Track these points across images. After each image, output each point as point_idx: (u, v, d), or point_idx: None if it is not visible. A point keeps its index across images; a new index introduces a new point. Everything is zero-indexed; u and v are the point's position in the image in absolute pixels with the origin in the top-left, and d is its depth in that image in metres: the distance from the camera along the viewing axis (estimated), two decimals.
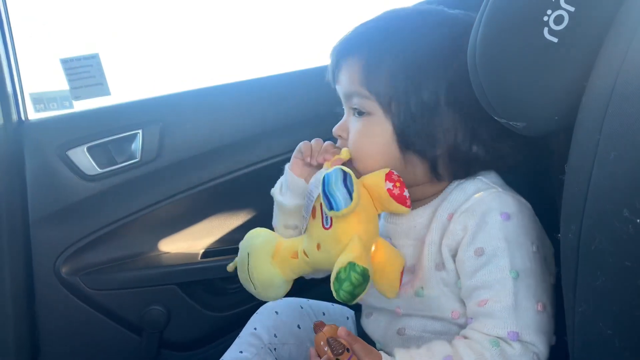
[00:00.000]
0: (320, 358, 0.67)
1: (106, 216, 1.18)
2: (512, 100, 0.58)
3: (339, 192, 0.63)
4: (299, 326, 0.93)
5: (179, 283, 1.19)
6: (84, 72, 1.22)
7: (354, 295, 0.62)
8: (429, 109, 0.69)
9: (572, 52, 0.53)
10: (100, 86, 1.24)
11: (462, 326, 0.70)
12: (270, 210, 1.25)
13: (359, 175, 0.71)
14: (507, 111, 0.60)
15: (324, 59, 0.80)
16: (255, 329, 0.93)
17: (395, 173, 0.69)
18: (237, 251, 1.24)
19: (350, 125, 0.75)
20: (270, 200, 1.26)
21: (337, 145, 0.78)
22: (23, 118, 1.20)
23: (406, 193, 0.68)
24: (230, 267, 0.82)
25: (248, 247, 0.78)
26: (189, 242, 1.25)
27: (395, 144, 0.71)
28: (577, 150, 0.53)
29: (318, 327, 0.70)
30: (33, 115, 1.24)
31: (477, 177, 0.73)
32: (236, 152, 1.22)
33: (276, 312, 0.95)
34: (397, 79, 0.69)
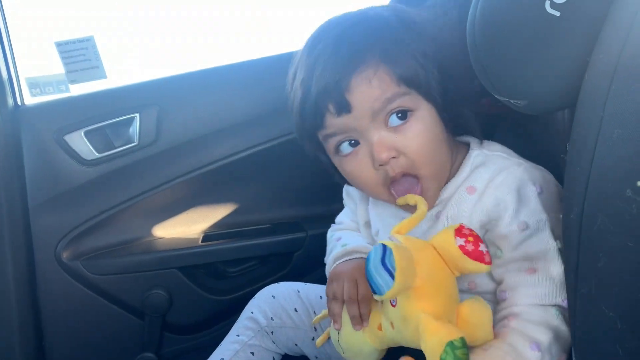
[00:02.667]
0: None
1: (105, 201, 1.17)
2: (513, 78, 0.57)
3: (379, 276, 0.58)
4: (295, 309, 0.93)
5: (180, 267, 1.19)
6: (79, 55, 1.21)
7: None
8: (452, 75, 0.66)
9: (574, 25, 0.51)
10: (96, 69, 1.22)
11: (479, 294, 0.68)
12: (270, 193, 1.26)
13: (428, 190, 0.67)
14: (508, 89, 0.58)
15: None
16: (252, 312, 0.94)
17: (465, 226, 0.62)
18: (238, 234, 1.26)
19: (392, 139, 0.65)
20: (269, 182, 1.26)
21: (388, 166, 0.66)
22: (19, 103, 1.19)
23: (482, 248, 0.60)
24: (318, 343, 0.82)
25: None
26: (189, 226, 1.25)
27: (443, 126, 0.68)
28: (579, 129, 0.51)
29: None
30: (29, 100, 1.23)
31: (496, 153, 0.71)
32: (235, 135, 1.21)
33: (273, 296, 0.96)
34: (419, 59, 0.65)
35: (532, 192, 0.66)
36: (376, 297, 0.58)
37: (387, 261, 0.57)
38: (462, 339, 0.55)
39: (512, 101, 0.58)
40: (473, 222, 0.68)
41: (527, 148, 0.77)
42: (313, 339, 0.93)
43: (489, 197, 0.67)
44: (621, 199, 0.45)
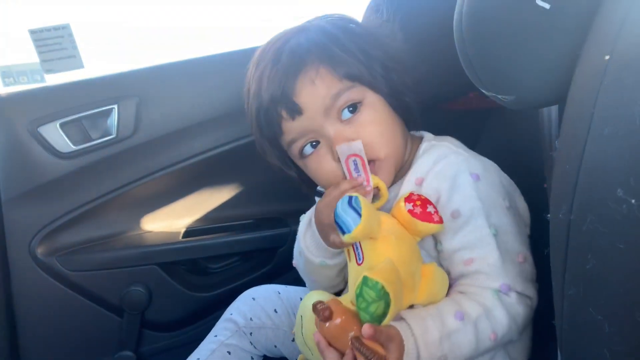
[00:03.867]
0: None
1: (82, 195, 1.14)
2: (501, 72, 0.55)
3: (347, 215, 0.61)
4: (275, 310, 0.93)
5: (160, 263, 1.16)
6: (54, 43, 1.17)
7: (371, 314, 0.58)
8: (392, 57, 0.72)
9: (565, 18, 0.49)
10: (72, 59, 1.18)
11: None
12: (253, 187, 1.23)
13: (388, 174, 0.70)
14: (495, 84, 0.56)
15: None
16: (231, 314, 0.94)
17: (415, 193, 0.67)
18: (220, 230, 1.24)
19: (347, 130, 0.69)
20: (252, 177, 1.24)
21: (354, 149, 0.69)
22: None
23: (430, 209, 0.65)
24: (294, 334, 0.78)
25: (301, 310, 0.71)
26: (169, 221, 1.22)
27: (392, 111, 0.72)
28: (569, 125, 0.49)
29: (325, 311, 0.60)
30: (2, 89, 1.19)
31: (442, 143, 0.74)
32: (217, 128, 1.18)
33: (253, 298, 0.95)
34: (358, 56, 0.69)
35: (466, 179, 0.67)
36: (346, 237, 0.61)
37: (354, 203, 0.61)
38: (378, 284, 0.57)
39: (499, 96, 0.56)
40: None
41: (515, 144, 0.75)
42: (293, 340, 0.91)
43: (428, 187, 0.70)
44: (611, 199, 0.44)
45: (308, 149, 0.72)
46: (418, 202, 0.65)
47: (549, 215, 0.54)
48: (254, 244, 1.20)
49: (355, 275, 0.66)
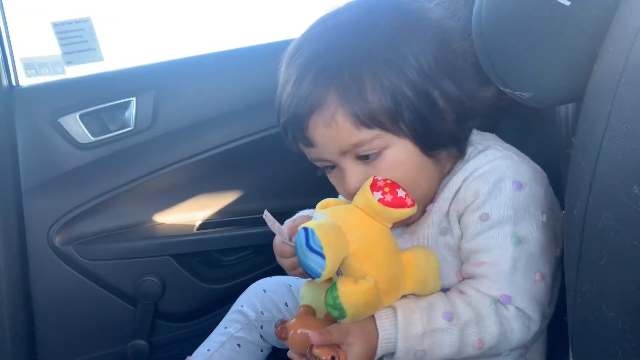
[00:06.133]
0: None
1: (100, 185, 1.15)
2: (520, 69, 0.55)
3: (309, 260, 0.58)
4: (286, 304, 0.92)
5: (174, 254, 1.17)
6: (76, 36, 1.18)
7: (331, 312, 0.60)
8: (425, 90, 0.62)
9: (585, 15, 0.49)
10: (92, 51, 1.20)
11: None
12: (267, 182, 1.24)
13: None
14: (514, 80, 0.57)
15: None
16: (242, 306, 0.93)
17: (379, 179, 0.62)
18: (234, 223, 1.25)
19: (366, 170, 0.65)
20: (267, 171, 1.25)
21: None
22: (14, 84, 1.17)
23: (401, 193, 0.61)
24: None
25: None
26: (185, 214, 1.23)
27: (422, 154, 0.65)
28: (586, 123, 0.50)
29: (282, 331, 0.65)
30: (24, 81, 1.21)
31: (493, 146, 0.69)
32: (233, 122, 1.19)
33: (264, 290, 0.95)
34: (386, 96, 0.61)
35: (507, 186, 0.64)
36: (317, 280, 0.59)
37: (312, 243, 0.57)
38: (337, 298, 0.58)
39: (517, 93, 0.56)
40: (450, 210, 0.67)
41: (529, 142, 0.75)
42: None
43: (468, 187, 0.66)
44: (627, 196, 0.44)
45: (326, 168, 0.70)
46: (387, 189, 0.61)
47: (563, 212, 0.54)
48: (267, 237, 1.20)
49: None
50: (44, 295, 1.14)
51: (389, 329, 0.61)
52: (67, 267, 1.14)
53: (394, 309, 0.63)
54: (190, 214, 1.24)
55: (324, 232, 0.57)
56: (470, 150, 0.70)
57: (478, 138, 0.71)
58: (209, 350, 0.89)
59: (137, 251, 1.16)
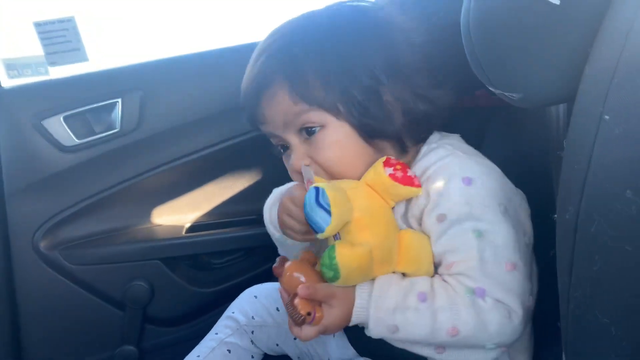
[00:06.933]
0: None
1: (85, 189, 1.13)
2: (509, 69, 0.54)
3: (316, 215, 0.62)
4: (277, 308, 0.92)
5: (163, 258, 1.16)
6: (59, 36, 1.16)
7: (323, 273, 0.62)
8: (375, 91, 0.68)
9: (575, 15, 0.48)
10: (77, 52, 1.18)
11: None
12: (257, 183, 1.23)
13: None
14: (503, 81, 0.55)
15: None
16: (233, 312, 0.93)
17: (392, 158, 0.67)
18: (224, 225, 1.23)
19: (308, 148, 0.70)
20: (256, 172, 1.23)
21: (307, 176, 0.71)
22: None
23: (410, 173, 0.66)
24: None
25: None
26: (173, 216, 1.22)
27: (361, 140, 0.69)
28: (577, 125, 0.48)
29: (279, 268, 0.69)
30: (6, 82, 1.18)
31: (443, 144, 0.71)
32: (222, 122, 1.17)
33: (255, 297, 0.94)
34: (331, 80, 0.67)
35: (456, 185, 0.65)
36: (319, 235, 0.62)
37: (321, 200, 0.61)
38: (335, 264, 0.60)
39: (506, 94, 0.55)
40: (409, 217, 0.69)
41: (519, 143, 0.74)
42: (295, 338, 0.90)
43: (422, 190, 0.67)
44: (620, 200, 0.43)
45: (282, 149, 0.75)
46: (398, 167, 0.65)
47: (555, 215, 0.53)
48: (257, 239, 1.19)
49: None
50: (29, 301, 1.12)
51: (365, 297, 0.64)
52: (53, 273, 1.12)
53: (373, 281, 0.65)
54: (179, 216, 1.22)
55: (333, 192, 0.62)
56: (424, 150, 0.72)
57: (436, 137, 0.73)
58: (198, 356, 0.88)
59: (125, 255, 1.14)
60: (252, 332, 0.91)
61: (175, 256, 1.17)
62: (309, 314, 0.63)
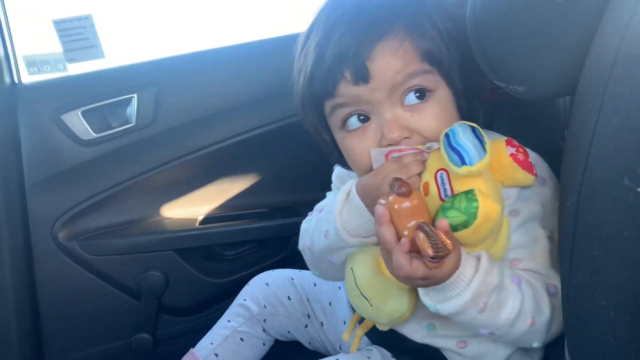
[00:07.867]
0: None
1: (102, 181, 1.16)
2: (513, 63, 0.56)
3: (471, 144, 0.53)
4: (289, 297, 0.93)
5: (177, 249, 1.19)
6: (77, 33, 1.19)
7: (449, 217, 0.53)
8: (470, 62, 0.60)
9: (577, 11, 0.50)
10: (94, 48, 1.21)
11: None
12: (269, 177, 1.25)
13: None
14: (507, 74, 0.57)
15: None
16: (244, 300, 0.94)
17: (514, 140, 0.60)
18: (236, 217, 1.26)
19: (406, 117, 0.61)
20: (268, 166, 1.26)
21: (402, 149, 0.61)
22: (16, 81, 1.18)
23: (532, 159, 0.60)
24: (345, 336, 0.75)
25: (350, 262, 0.67)
26: (187, 208, 1.25)
27: (455, 112, 0.63)
28: (578, 116, 0.50)
29: (406, 185, 0.54)
30: (26, 78, 1.22)
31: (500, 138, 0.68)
32: (234, 117, 1.19)
33: (267, 284, 0.95)
34: (444, 37, 0.61)
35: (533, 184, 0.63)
36: (463, 169, 0.52)
37: (478, 133, 0.54)
38: (471, 194, 0.52)
39: (511, 87, 0.57)
40: None
41: (525, 136, 0.76)
42: (306, 326, 0.93)
43: None
44: (618, 188, 0.45)
45: (354, 122, 0.64)
46: (521, 149, 0.59)
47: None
48: (268, 232, 1.22)
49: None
50: (48, 290, 1.16)
51: (471, 268, 0.56)
52: (71, 263, 1.15)
53: (478, 254, 0.58)
54: (193, 208, 1.25)
55: (487, 138, 0.55)
56: None
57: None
58: (212, 343, 0.90)
59: (140, 246, 1.17)
60: (264, 320, 0.92)
61: (189, 247, 1.20)
62: (418, 232, 0.52)
